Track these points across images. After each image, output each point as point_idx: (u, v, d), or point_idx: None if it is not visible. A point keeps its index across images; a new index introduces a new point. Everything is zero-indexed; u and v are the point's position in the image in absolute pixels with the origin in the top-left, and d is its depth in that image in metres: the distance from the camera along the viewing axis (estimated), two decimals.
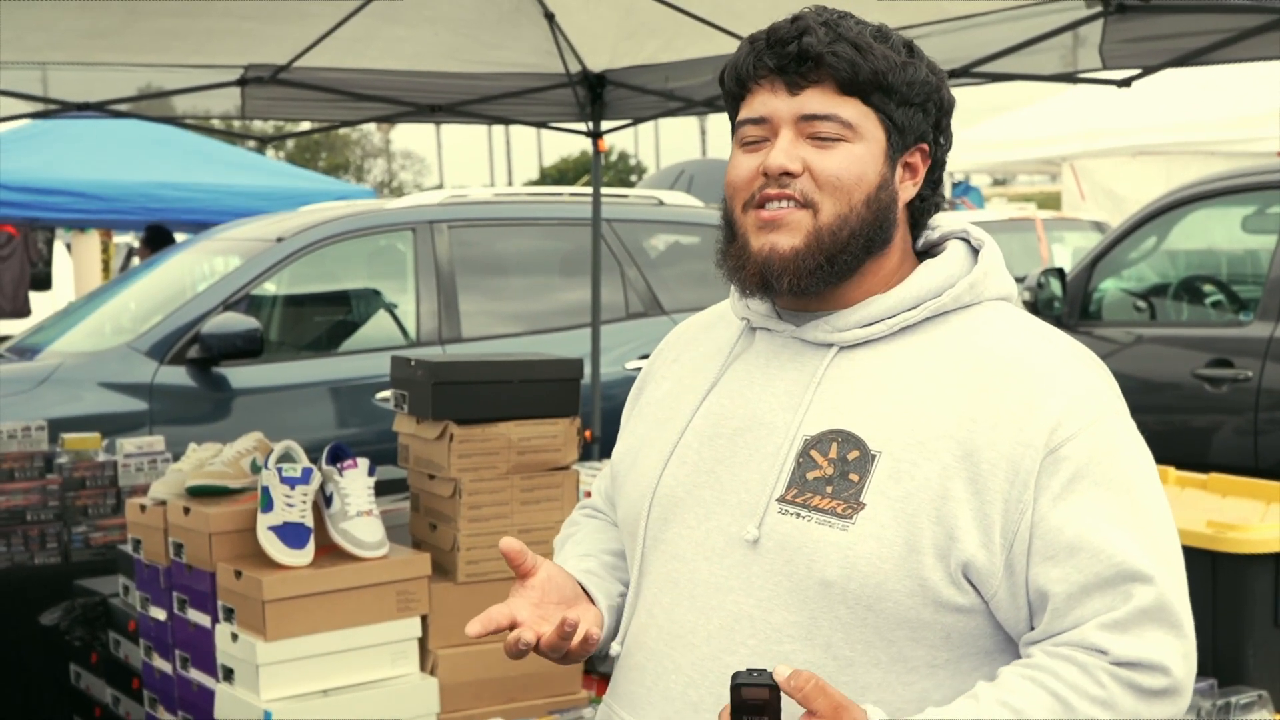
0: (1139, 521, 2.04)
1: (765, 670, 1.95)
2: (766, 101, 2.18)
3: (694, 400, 2.31)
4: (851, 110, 2.15)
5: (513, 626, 2.18)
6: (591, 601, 2.34)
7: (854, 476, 2.08)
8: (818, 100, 2.15)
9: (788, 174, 2.14)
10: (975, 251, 2.28)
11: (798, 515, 2.10)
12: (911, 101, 2.19)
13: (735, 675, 1.94)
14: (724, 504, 2.18)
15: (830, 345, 2.20)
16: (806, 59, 2.14)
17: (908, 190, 2.24)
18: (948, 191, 19.87)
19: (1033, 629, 2.07)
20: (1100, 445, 2.05)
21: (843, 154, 2.15)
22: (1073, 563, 2.01)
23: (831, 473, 2.09)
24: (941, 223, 2.33)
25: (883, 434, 2.09)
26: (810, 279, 2.16)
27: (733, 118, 2.27)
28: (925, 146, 2.24)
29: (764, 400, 2.22)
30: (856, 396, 2.14)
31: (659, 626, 2.22)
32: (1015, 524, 2.02)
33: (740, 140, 2.23)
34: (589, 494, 5.29)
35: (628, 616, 2.30)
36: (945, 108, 2.25)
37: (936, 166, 2.28)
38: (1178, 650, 2.01)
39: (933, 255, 2.28)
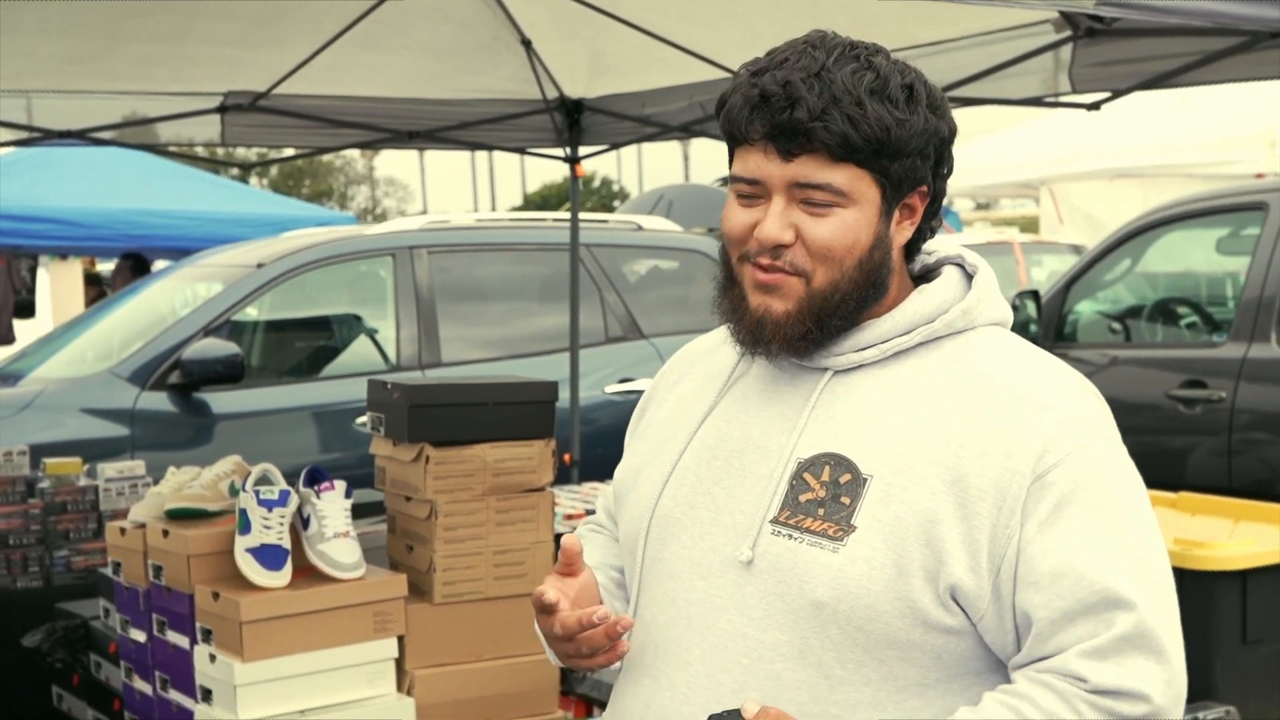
0: (1124, 547, 2.04)
1: (737, 711, 2.01)
2: (760, 165, 2.15)
3: (693, 423, 2.33)
4: (844, 176, 2.12)
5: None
6: None
7: (845, 499, 2.10)
8: (810, 168, 2.12)
9: (780, 245, 2.14)
10: (970, 277, 2.29)
11: (790, 536, 2.12)
12: (908, 154, 2.15)
13: (710, 717, 2.02)
14: (719, 525, 2.21)
15: (825, 369, 2.22)
16: (798, 132, 2.10)
17: (905, 231, 2.23)
18: None
19: (1020, 651, 2.08)
20: (1087, 471, 2.06)
21: (835, 222, 2.13)
22: (1055, 589, 2.01)
23: (824, 495, 2.11)
24: (937, 247, 2.34)
25: (874, 458, 2.11)
26: (800, 343, 2.17)
27: (731, 152, 2.25)
28: (924, 188, 2.23)
29: (760, 424, 2.24)
30: (849, 420, 2.16)
31: (655, 645, 2.24)
32: (1002, 549, 2.03)
33: (735, 191, 2.22)
34: (569, 515, 5.34)
35: (626, 635, 2.32)
36: (947, 140, 2.23)
37: (936, 198, 2.27)
38: (1159, 677, 2.00)
39: (928, 280, 2.29)
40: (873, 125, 2.10)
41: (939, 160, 2.24)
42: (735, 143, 2.21)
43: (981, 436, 2.08)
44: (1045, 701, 2.00)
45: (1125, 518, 2.07)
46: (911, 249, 2.30)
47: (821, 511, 2.11)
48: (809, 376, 2.24)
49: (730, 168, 2.25)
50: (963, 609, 2.07)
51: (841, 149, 2.11)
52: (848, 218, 2.14)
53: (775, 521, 2.14)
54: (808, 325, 2.16)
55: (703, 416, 2.33)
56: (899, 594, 2.05)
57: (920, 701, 2.11)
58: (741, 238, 2.19)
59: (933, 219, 2.29)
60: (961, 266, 2.31)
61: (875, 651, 2.08)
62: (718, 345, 2.45)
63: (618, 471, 2.50)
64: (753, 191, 2.18)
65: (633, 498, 2.38)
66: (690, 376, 2.46)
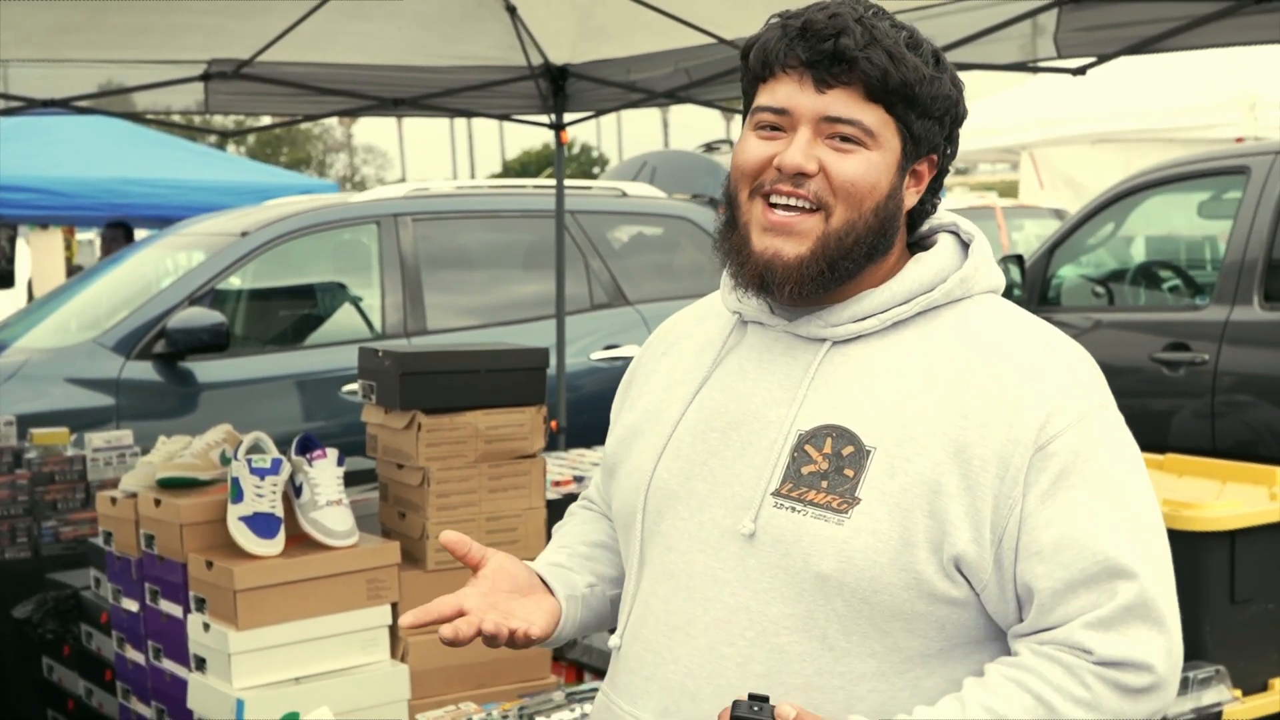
0: (1124, 517, 2.06)
1: (765, 701, 1.99)
2: (791, 94, 2.15)
3: (687, 394, 2.31)
4: (874, 117, 2.14)
5: (461, 616, 2.21)
6: (550, 592, 2.37)
7: (849, 471, 2.09)
8: (843, 103, 2.13)
9: (803, 174, 2.13)
10: (964, 245, 2.29)
11: (793, 509, 2.11)
12: (931, 114, 2.18)
13: (736, 705, 1.99)
14: (717, 496, 2.20)
15: (823, 340, 2.21)
16: (841, 60, 2.11)
17: (911, 197, 2.23)
18: None
19: (1021, 621, 2.10)
20: (1087, 441, 2.08)
21: (860, 160, 2.14)
22: (1058, 559, 2.03)
23: (826, 467, 2.11)
24: (929, 215, 2.34)
25: (876, 429, 2.11)
26: (811, 286, 2.16)
27: (748, 94, 2.25)
28: (934, 156, 2.24)
29: (757, 394, 2.23)
30: (850, 391, 2.16)
31: (656, 618, 2.24)
32: (1005, 519, 2.04)
33: (755, 124, 2.20)
34: (555, 481, 5.36)
35: (626, 608, 2.31)
36: (959, 120, 2.25)
37: (940, 174, 2.28)
38: (1161, 646, 2.03)
39: (921, 247, 2.29)
40: (909, 70, 2.14)
41: (949, 137, 2.25)
42: (766, 73, 2.19)
43: (983, 407, 2.08)
44: (1053, 675, 2.02)
45: (1125, 487, 2.09)
46: (914, 224, 2.30)
47: (825, 484, 2.10)
48: (807, 347, 2.22)
49: (753, 103, 2.22)
50: (966, 579, 2.08)
51: (879, 85, 2.12)
52: (873, 159, 2.15)
53: (777, 494, 2.14)
54: (822, 267, 2.15)
55: (696, 387, 2.31)
56: (904, 565, 2.06)
57: (923, 671, 2.12)
58: (757, 168, 2.18)
59: (934, 195, 2.30)
60: (956, 234, 2.31)
61: (880, 623, 2.09)
62: (706, 314, 2.45)
63: (607, 446, 2.49)
64: (776, 122, 2.17)
65: (625, 471, 2.37)
66: (679, 348, 2.44)
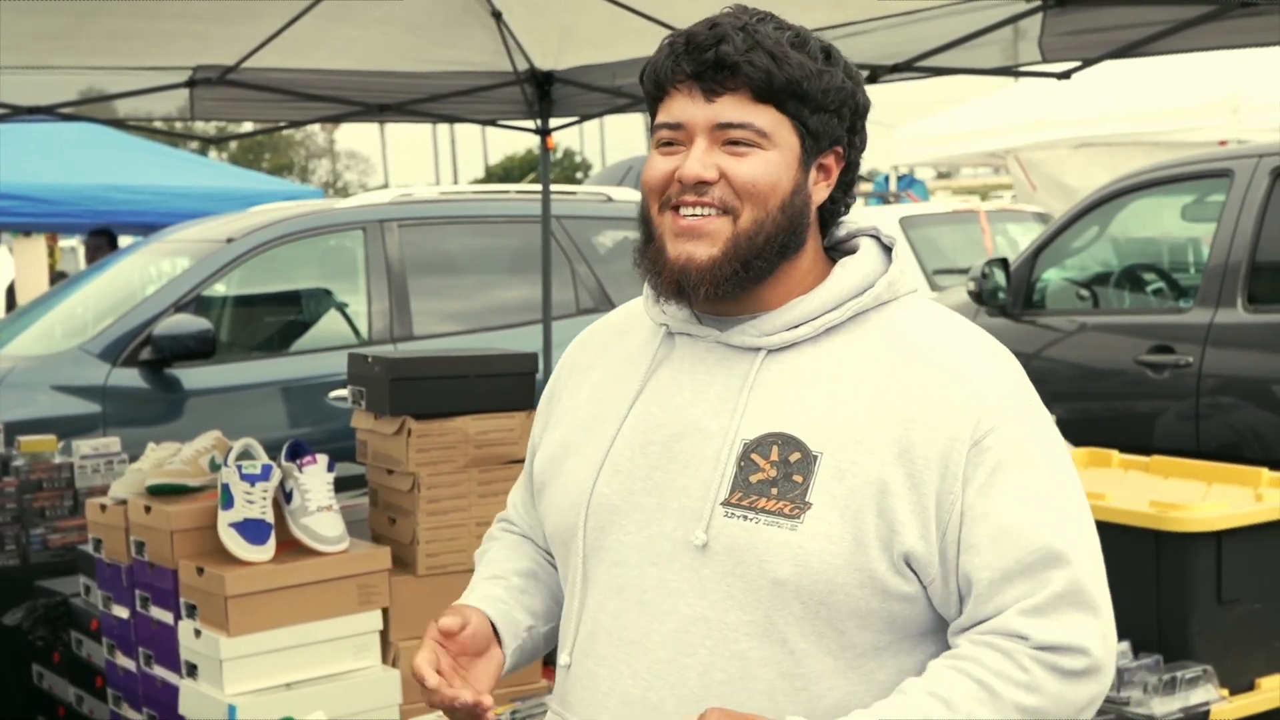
0: (1056, 506, 2.13)
1: None
2: (684, 108, 2.20)
3: (620, 408, 2.33)
4: (765, 118, 2.18)
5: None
6: (499, 643, 2.37)
7: (798, 478, 2.13)
8: (732, 108, 2.18)
9: (703, 182, 2.18)
10: (886, 249, 2.34)
11: (745, 518, 2.14)
12: (826, 108, 2.22)
13: None
14: (665, 510, 2.22)
15: (758, 349, 2.24)
16: (723, 67, 2.16)
17: (821, 192, 2.28)
18: (893, 185, 20.02)
19: (961, 614, 2.15)
20: (1019, 436, 2.14)
21: (757, 161, 2.19)
22: (995, 550, 2.09)
23: (775, 475, 2.14)
24: (847, 219, 2.38)
25: (821, 434, 2.15)
26: (727, 286, 2.20)
27: (653, 117, 2.30)
28: (839, 149, 2.28)
29: (696, 406, 2.25)
30: (790, 399, 2.20)
31: (609, 633, 2.25)
32: (947, 514, 2.10)
33: (657, 142, 2.26)
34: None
35: (573, 626, 2.32)
36: (860, 111, 2.29)
37: (850, 168, 2.32)
38: (1095, 631, 2.09)
39: (841, 250, 2.34)
40: (794, 67, 2.18)
41: (853, 128, 2.30)
42: (660, 92, 2.25)
43: (922, 408, 2.14)
44: (991, 660, 2.07)
45: (1055, 478, 2.17)
46: (827, 221, 2.34)
47: (775, 491, 2.14)
48: (741, 357, 2.26)
49: (653, 123, 2.28)
50: (916, 575, 2.13)
51: (764, 86, 2.17)
52: (770, 158, 2.20)
53: (727, 504, 2.17)
54: (735, 267, 2.19)
55: (630, 401, 2.33)
56: (859, 565, 2.10)
57: (875, 664, 2.17)
58: (662, 184, 2.23)
59: (848, 192, 2.34)
60: (875, 238, 2.35)
61: (835, 622, 2.14)
62: (626, 324, 2.48)
63: (536, 463, 2.49)
64: (674, 138, 2.23)
65: (558, 486, 2.38)
66: (604, 360, 2.46)
